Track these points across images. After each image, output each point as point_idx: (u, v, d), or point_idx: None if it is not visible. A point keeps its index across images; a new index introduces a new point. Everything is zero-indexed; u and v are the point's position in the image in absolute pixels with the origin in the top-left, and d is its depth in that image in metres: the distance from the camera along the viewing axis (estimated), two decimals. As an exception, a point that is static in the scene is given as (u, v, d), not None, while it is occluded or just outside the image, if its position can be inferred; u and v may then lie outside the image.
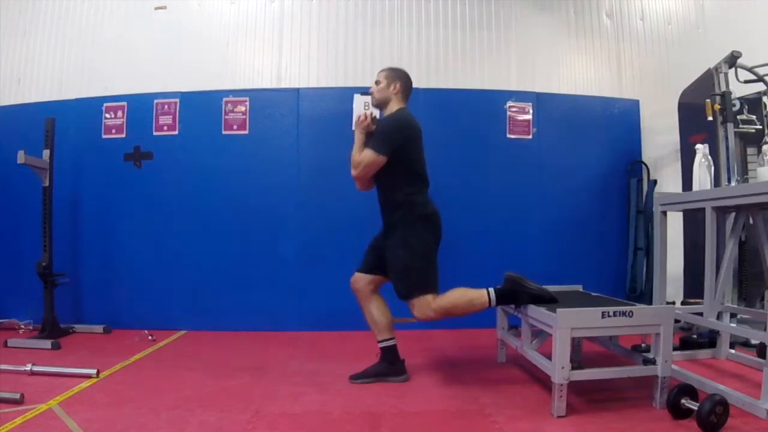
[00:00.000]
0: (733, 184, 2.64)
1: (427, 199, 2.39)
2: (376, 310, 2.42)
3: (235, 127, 3.78)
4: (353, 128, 3.63)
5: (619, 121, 4.01)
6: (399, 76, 2.47)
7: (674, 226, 3.15)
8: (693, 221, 3.29)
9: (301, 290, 3.69)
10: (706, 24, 4.19)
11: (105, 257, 3.74)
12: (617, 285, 3.86)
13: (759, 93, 3.05)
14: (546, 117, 3.89)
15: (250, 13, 3.98)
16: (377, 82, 2.48)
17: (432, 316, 2.26)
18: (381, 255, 2.40)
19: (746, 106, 2.73)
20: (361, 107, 3.72)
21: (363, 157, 2.32)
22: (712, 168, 2.53)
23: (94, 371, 2.46)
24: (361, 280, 2.45)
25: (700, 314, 2.37)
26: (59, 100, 3.82)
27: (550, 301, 2.23)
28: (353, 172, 2.36)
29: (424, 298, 2.25)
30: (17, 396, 2.05)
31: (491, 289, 2.29)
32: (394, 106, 2.44)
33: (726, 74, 2.72)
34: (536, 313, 2.17)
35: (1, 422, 1.83)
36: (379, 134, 2.36)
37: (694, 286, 3.31)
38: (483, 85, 3.97)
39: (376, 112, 2.53)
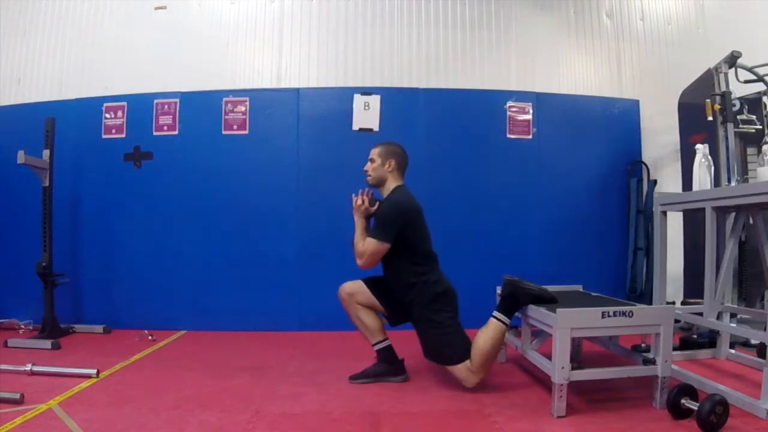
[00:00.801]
0: (733, 184, 2.64)
1: (439, 277, 2.37)
2: (364, 316, 2.41)
3: (235, 127, 3.78)
4: (354, 128, 3.71)
5: (619, 121, 4.01)
6: (393, 153, 2.42)
7: (674, 226, 3.15)
8: (693, 221, 3.29)
9: (301, 290, 3.69)
10: (706, 24, 4.19)
11: (105, 257, 3.74)
12: (617, 285, 3.86)
13: (759, 93, 3.05)
14: (546, 117, 3.89)
15: (250, 13, 3.98)
16: (371, 160, 2.43)
17: (476, 380, 2.24)
18: (391, 292, 2.41)
19: (746, 106, 2.73)
20: (361, 107, 3.73)
21: (367, 247, 2.29)
22: (712, 168, 2.53)
23: (94, 371, 2.46)
24: (348, 290, 2.42)
25: (700, 314, 2.37)
26: (59, 100, 3.82)
27: (550, 301, 2.24)
28: (359, 262, 2.32)
29: (463, 366, 2.24)
30: (17, 396, 2.05)
31: (495, 312, 2.28)
32: (391, 185, 2.40)
33: (726, 74, 2.72)
34: (536, 313, 2.17)
35: (1, 422, 1.83)
36: (380, 220, 2.33)
37: (694, 286, 3.31)
38: (483, 85, 3.97)
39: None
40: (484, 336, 2.24)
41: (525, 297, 2.25)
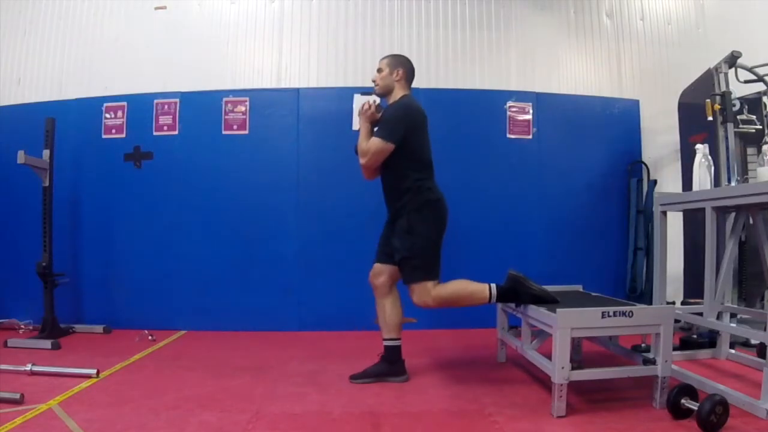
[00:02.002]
0: (733, 184, 2.64)
1: (433, 185, 2.39)
2: (389, 308, 2.42)
3: (235, 127, 3.78)
4: (354, 128, 3.70)
5: (619, 121, 4.01)
6: (401, 63, 2.46)
7: (674, 226, 3.15)
8: (693, 221, 3.29)
9: (301, 290, 3.69)
10: (706, 24, 4.20)
11: (105, 257, 3.74)
12: (617, 285, 3.86)
13: (759, 93, 3.05)
14: (546, 117, 3.89)
15: (250, 13, 3.98)
16: (379, 70, 2.46)
17: (430, 304, 2.26)
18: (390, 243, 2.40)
19: (746, 106, 2.73)
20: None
21: (370, 145, 2.31)
22: (712, 168, 2.53)
23: (94, 371, 2.46)
24: (380, 274, 2.42)
25: (700, 314, 2.37)
26: (59, 100, 3.82)
27: (550, 302, 2.23)
28: (361, 161, 2.34)
29: (424, 284, 2.24)
30: (17, 396, 2.05)
31: (493, 285, 2.29)
32: (398, 93, 2.43)
33: (726, 74, 2.72)
34: (536, 313, 2.17)
35: (1, 422, 1.83)
36: (386, 122, 2.35)
37: (694, 286, 3.31)
38: (483, 85, 3.97)
39: (379, 100, 2.49)
40: (467, 285, 2.28)
41: (526, 296, 2.25)
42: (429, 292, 2.24)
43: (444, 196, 2.39)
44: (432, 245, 2.31)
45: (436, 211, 2.34)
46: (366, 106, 2.40)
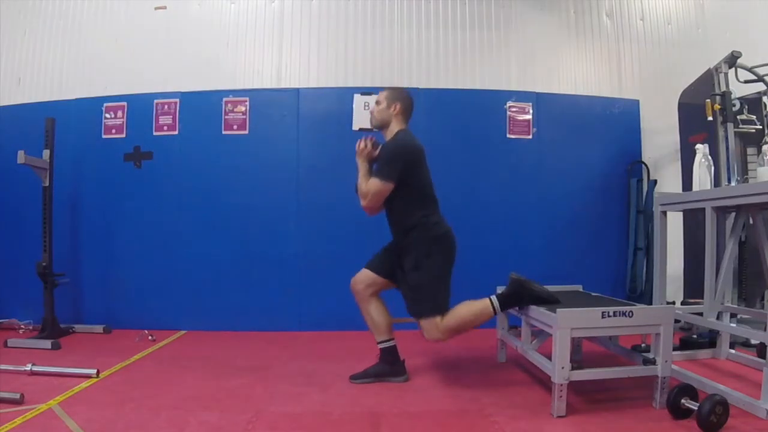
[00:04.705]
0: (733, 184, 2.64)
1: (439, 219, 2.37)
2: (375, 312, 2.42)
3: (235, 127, 3.78)
4: (354, 128, 3.71)
5: (619, 121, 4.01)
6: (399, 97, 2.43)
7: (674, 226, 3.15)
8: (693, 221, 3.29)
9: (301, 290, 3.69)
10: (706, 24, 4.19)
11: (105, 257, 3.74)
12: (617, 285, 3.86)
13: (759, 93, 3.05)
14: (546, 117, 3.89)
15: (250, 13, 3.98)
16: (377, 103, 2.45)
17: (440, 337, 2.26)
18: (392, 260, 2.40)
19: (746, 106, 2.72)
20: (361, 107, 3.73)
21: (370, 186, 2.30)
22: (712, 168, 2.53)
23: (94, 371, 2.46)
24: (362, 282, 2.43)
25: (700, 314, 2.37)
26: (59, 100, 3.82)
27: (552, 302, 2.23)
28: (363, 203, 2.33)
29: (432, 319, 2.24)
30: (17, 396, 2.05)
31: (493, 297, 2.29)
32: (394, 128, 2.41)
33: (726, 74, 2.71)
34: (536, 313, 2.18)
35: (1, 422, 1.83)
36: (383, 161, 2.34)
37: (694, 286, 3.31)
38: (483, 85, 3.97)
39: (374, 138, 2.47)
40: (470, 307, 2.27)
41: (528, 298, 2.25)
42: (437, 326, 2.24)
43: (451, 229, 2.38)
44: (439, 280, 2.29)
45: (443, 246, 2.33)
46: (362, 145, 2.38)
